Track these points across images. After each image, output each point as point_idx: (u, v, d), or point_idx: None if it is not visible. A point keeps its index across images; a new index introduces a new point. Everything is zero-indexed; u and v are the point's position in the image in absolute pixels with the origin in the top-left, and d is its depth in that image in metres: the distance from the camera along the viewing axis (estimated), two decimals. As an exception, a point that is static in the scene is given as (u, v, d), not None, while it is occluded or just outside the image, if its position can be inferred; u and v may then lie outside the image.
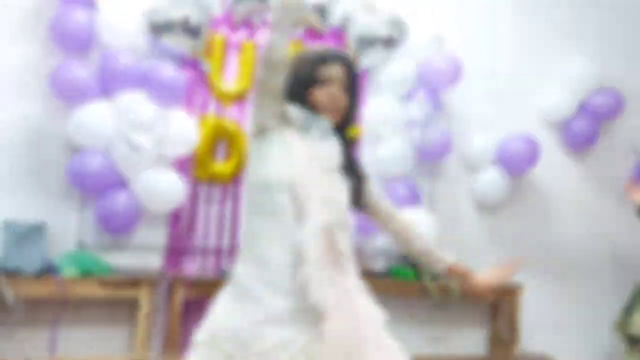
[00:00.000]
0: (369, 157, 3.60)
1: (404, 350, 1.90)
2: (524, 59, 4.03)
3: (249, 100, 3.39)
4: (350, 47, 3.52)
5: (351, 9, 3.53)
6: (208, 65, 3.33)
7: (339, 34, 3.55)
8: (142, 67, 3.15)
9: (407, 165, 3.58)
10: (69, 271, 2.98)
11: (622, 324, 3.97)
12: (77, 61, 3.13)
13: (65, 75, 3.07)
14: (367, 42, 3.51)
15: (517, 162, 3.80)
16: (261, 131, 1.83)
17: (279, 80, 1.76)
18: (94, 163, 3.08)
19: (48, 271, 2.98)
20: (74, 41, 3.13)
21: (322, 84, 1.86)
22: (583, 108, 4.05)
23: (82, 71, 3.09)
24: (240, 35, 3.41)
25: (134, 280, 3.06)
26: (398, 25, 3.57)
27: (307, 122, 1.85)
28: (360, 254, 3.48)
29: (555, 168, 4.07)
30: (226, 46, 3.38)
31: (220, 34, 3.37)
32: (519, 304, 3.70)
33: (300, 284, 1.71)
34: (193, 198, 3.33)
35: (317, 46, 2.12)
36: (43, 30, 3.16)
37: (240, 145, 3.34)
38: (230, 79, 3.41)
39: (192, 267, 3.30)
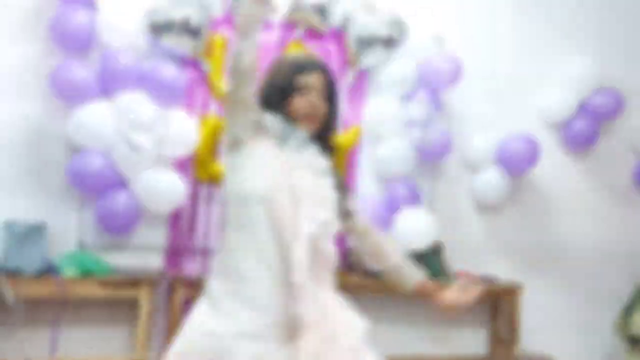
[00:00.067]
0: (369, 157, 3.61)
1: None
2: (524, 59, 4.03)
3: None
4: (350, 48, 3.53)
5: (351, 9, 3.53)
6: (208, 66, 3.33)
7: (339, 34, 3.55)
8: (142, 67, 3.15)
9: (407, 165, 3.58)
10: (69, 271, 2.98)
11: (623, 324, 3.97)
12: (77, 61, 3.13)
13: (66, 75, 3.07)
14: (367, 42, 3.51)
15: (517, 162, 3.80)
16: (235, 143, 1.80)
17: (250, 90, 1.73)
18: (94, 163, 3.08)
19: (48, 271, 2.98)
20: (74, 41, 3.13)
21: (300, 92, 1.83)
22: (583, 108, 4.04)
23: (82, 71, 3.09)
24: (240, 36, 3.40)
25: (134, 281, 3.06)
26: (398, 25, 3.57)
27: (285, 132, 1.82)
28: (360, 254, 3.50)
29: (555, 168, 4.07)
30: (226, 46, 3.38)
31: (221, 34, 3.37)
32: (519, 304, 3.70)
33: (288, 295, 1.69)
34: (193, 198, 3.33)
35: (294, 54, 2.10)
36: (43, 30, 3.16)
37: (241, 145, 3.34)
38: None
39: (193, 267, 3.30)
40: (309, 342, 1.68)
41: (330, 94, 1.89)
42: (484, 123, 3.88)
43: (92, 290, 3.00)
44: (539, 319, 3.94)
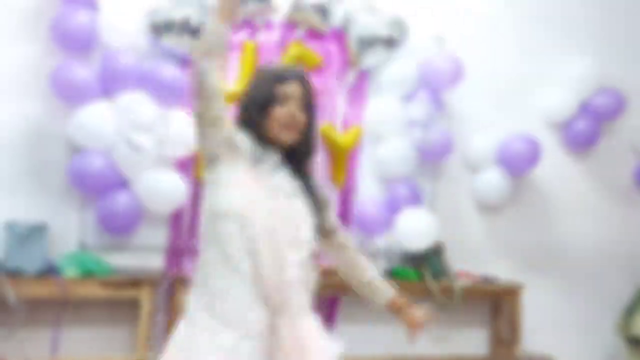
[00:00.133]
0: (370, 157, 3.61)
1: None
2: (525, 59, 4.03)
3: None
4: (351, 48, 3.52)
5: (352, 9, 3.53)
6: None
7: (339, 34, 3.54)
8: (143, 67, 3.15)
9: (408, 166, 3.58)
10: (70, 271, 2.98)
11: (624, 324, 3.97)
12: (77, 61, 3.13)
13: (66, 75, 3.07)
14: (368, 42, 3.51)
15: (518, 163, 3.80)
16: (211, 160, 1.81)
17: (217, 108, 1.74)
18: (95, 163, 3.08)
19: (49, 272, 2.98)
20: (74, 41, 3.13)
21: (280, 102, 1.83)
22: (584, 108, 4.04)
23: (82, 71, 3.09)
24: (241, 36, 3.40)
25: (135, 281, 3.06)
26: (399, 25, 3.57)
27: (257, 155, 1.82)
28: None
29: (556, 168, 4.06)
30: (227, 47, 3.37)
31: (221, 34, 3.36)
32: (520, 305, 3.70)
33: (262, 313, 1.73)
34: (194, 198, 3.32)
35: (274, 65, 2.11)
36: (44, 30, 3.16)
37: (241, 145, 3.34)
38: (231, 80, 3.41)
39: (193, 268, 3.30)
40: None
41: (308, 104, 1.89)
42: (484, 123, 3.88)
43: (92, 290, 3.00)
44: (539, 319, 3.93)
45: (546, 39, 4.08)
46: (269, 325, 1.74)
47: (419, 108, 3.56)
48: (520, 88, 4.01)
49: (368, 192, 3.59)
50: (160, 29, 3.19)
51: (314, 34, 3.50)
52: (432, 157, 3.68)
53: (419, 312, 2.01)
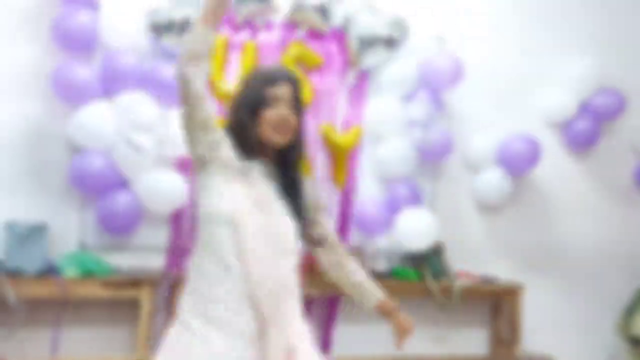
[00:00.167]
0: (370, 157, 3.61)
1: None
2: (525, 59, 4.03)
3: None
4: (351, 48, 3.52)
5: (352, 9, 3.53)
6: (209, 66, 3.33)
7: (340, 34, 3.54)
8: (143, 68, 3.15)
9: (408, 166, 3.58)
10: (70, 272, 2.99)
11: (624, 325, 3.97)
12: (78, 61, 3.13)
13: (67, 75, 3.07)
14: (368, 42, 3.51)
15: (518, 163, 3.80)
16: (202, 164, 1.82)
17: (205, 110, 1.76)
18: (95, 163, 3.08)
19: (49, 272, 2.98)
20: (75, 41, 3.13)
21: (270, 104, 1.84)
22: (584, 108, 4.04)
23: (83, 71, 3.09)
24: (242, 36, 3.40)
25: (135, 281, 3.06)
26: (399, 25, 3.57)
27: (244, 168, 1.82)
28: (361, 254, 3.50)
29: (556, 168, 4.06)
30: (228, 47, 3.37)
31: (222, 35, 3.36)
32: (520, 304, 3.69)
33: (252, 317, 1.74)
34: (194, 198, 3.32)
35: (266, 67, 2.12)
36: (45, 31, 3.16)
37: (242, 145, 3.34)
38: (232, 80, 3.41)
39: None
40: None
41: (298, 105, 1.89)
42: (484, 123, 3.88)
43: (93, 290, 3.00)
44: (539, 319, 3.93)
45: (546, 39, 4.08)
46: (259, 329, 1.74)
47: (419, 108, 3.56)
48: (521, 88, 4.01)
49: (368, 192, 3.59)
50: (161, 29, 3.19)
51: (314, 34, 3.50)
52: (432, 157, 3.68)
53: (408, 317, 2.02)
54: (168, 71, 3.16)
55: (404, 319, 2.00)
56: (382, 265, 3.66)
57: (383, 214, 3.54)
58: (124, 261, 3.23)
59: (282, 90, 1.85)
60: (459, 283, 3.57)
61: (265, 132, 1.83)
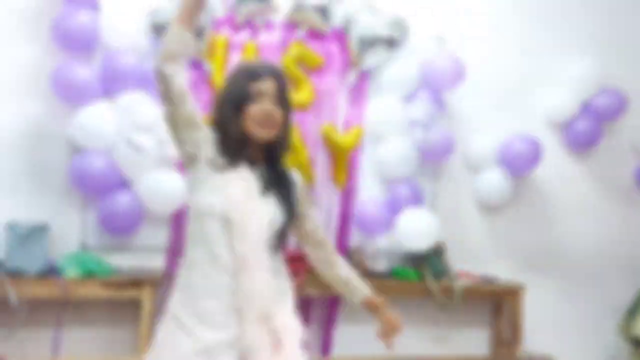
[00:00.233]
0: (371, 158, 3.60)
1: None
2: (526, 60, 4.02)
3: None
4: (352, 48, 3.52)
5: (353, 9, 3.53)
6: (210, 66, 3.33)
7: (340, 34, 3.54)
8: (143, 68, 3.15)
9: (409, 166, 3.58)
10: (71, 272, 2.98)
11: (626, 326, 3.97)
12: (78, 61, 3.13)
13: (67, 75, 3.07)
14: (369, 42, 3.51)
15: (519, 163, 3.80)
16: (191, 161, 1.83)
17: (188, 108, 1.77)
18: (96, 164, 3.08)
19: (50, 272, 2.98)
20: (76, 42, 3.13)
21: (254, 99, 1.83)
22: (585, 108, 4.04)
23: (84, 72, 3.09)
24: (242, 36, 3.40)
25: (136, 281, 3.06)
26: (400, 25, 3.57)
27: (229, 164, 1.83)
28: (362, 254, 3.50)
29: (557, 168, 4.06)
30: (228, 47, 3.37)
31: (223, 35, 3.36)
32: (521, 305, 3.69)
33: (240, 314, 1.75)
34: (195, 199, 3.33)
35: (249, 62, 2.11)
36: (45, 31, 3.16)
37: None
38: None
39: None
40: None
41: (283, 99, 1.88)
42: (486, 123, 3.88)
43: (94, 290, 3.00)
44: (541, 320, 3.93)
45: (547, 39, 4.08)
46: (250, 324, 1.75)
47: (420, 108, 3.56)
48: (521, 88, 4.01)
49: (369, 192, 3.59)
50: (161, 29, 3.18)
51: (315, 34, 3.50)
52: (433, 157, 3.68)
53: (395, 314, 2.02)
54: (169, 71, 3.16)
55: (392, 315, 2.00)
56: (382, 265, 3.65)
57: (384, 214, 3.54)
58: (124, 261, 3.23)
59: (266, 85, 1.84)
60: (460, 283, 3.56)
61: (250, 128, 1.83)
